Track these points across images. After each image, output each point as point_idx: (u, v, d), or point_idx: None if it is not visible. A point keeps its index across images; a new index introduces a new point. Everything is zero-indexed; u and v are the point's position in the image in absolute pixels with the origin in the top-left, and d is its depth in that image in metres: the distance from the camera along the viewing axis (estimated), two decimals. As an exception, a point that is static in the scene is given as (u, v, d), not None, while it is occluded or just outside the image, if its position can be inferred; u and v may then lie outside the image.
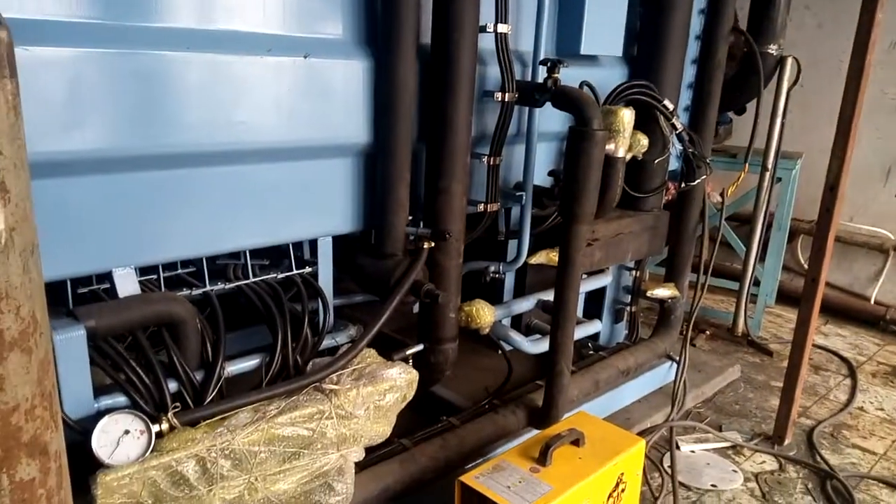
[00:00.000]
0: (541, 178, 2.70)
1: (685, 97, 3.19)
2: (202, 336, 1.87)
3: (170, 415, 1.69)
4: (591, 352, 3.26)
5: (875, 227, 4.69)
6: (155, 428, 1.65)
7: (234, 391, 1.88)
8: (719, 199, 3.67)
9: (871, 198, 4.71)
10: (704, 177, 2.94)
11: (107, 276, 1.79)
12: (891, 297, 4.68)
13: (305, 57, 1.88)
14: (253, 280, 2.10)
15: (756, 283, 4.36)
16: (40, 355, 1.04)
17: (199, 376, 1.86)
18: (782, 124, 3.89)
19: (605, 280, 3.22)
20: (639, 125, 2.63)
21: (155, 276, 1.99)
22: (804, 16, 4.81)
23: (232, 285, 2.07)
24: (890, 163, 4.60)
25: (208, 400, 1.82)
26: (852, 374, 3.77)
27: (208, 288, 2.03)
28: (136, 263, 1.81)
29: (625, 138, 2.38)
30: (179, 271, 2.13)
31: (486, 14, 2.20)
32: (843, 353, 4.04)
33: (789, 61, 3.71)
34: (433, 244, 2.22)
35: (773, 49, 3.58)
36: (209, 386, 1.83)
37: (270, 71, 1.82)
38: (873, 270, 4.77)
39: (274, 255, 2.31)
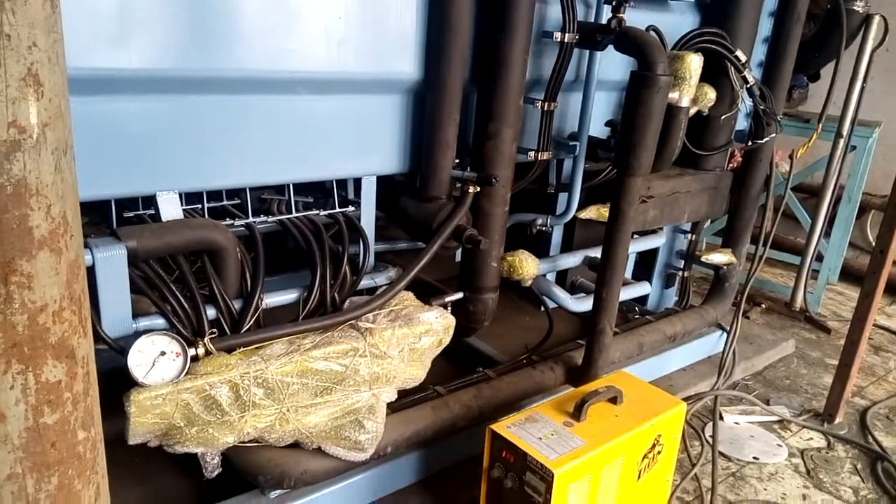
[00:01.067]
0: (597, 129, 2.58)
1: (759, 52, 2.99)
2: (242, 266, 1.87)
3: (206, 339, 1.69)
4: (638, 316, 3.16)
5: (956, 207, 4.37)
6: (191, 351, 1.66)
7: (271, 323, 1.88)
8: (787, 168, 3.47)
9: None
10: (774, 135, 2.76)
11: (152, 201, 1.80)
12: (966, 282, 4.38)
13: (356, -16, 1.81)
14: (295, 216, 2.07)
15: (819, 258, 4.14)
16: (70, 257, 1.03)
17: (237, 305, 1.86)
18: (862, 88, 3.61)
19: (657, 241, 3.09)
20: (707, 78, 2.48)
21: (199, 206, 1.99)
22: (897, -27, 4.43)
23: (274, 219, 2.06)
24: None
25: (245, 329, 1.82)
26: (916, 357, 3.57)
27: (251, 220, 2.02)
28: (180, 188, 1.81)
29: (690, 87, 2.24)
30: (224, 202, 2.13)
31: (550, -51, 2.09)
32: (908, 335, 3.82)
33: (876, 19, 3.42)
34: (479, 189, 2.15)
35: (858, 6, 3.33)
36: (246, 315, 1.83)
37: (321, -2, 1.76)
38: (949, 253, 4.47)
39: (318, 194, 2.29)
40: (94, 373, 1.13)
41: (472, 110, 2.22)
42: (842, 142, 3.67)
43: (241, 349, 1.73)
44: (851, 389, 2.90)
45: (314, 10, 1.75)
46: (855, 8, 3.32)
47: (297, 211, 2.12)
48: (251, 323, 1.83)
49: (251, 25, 1.67)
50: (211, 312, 1.81)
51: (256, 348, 1.75)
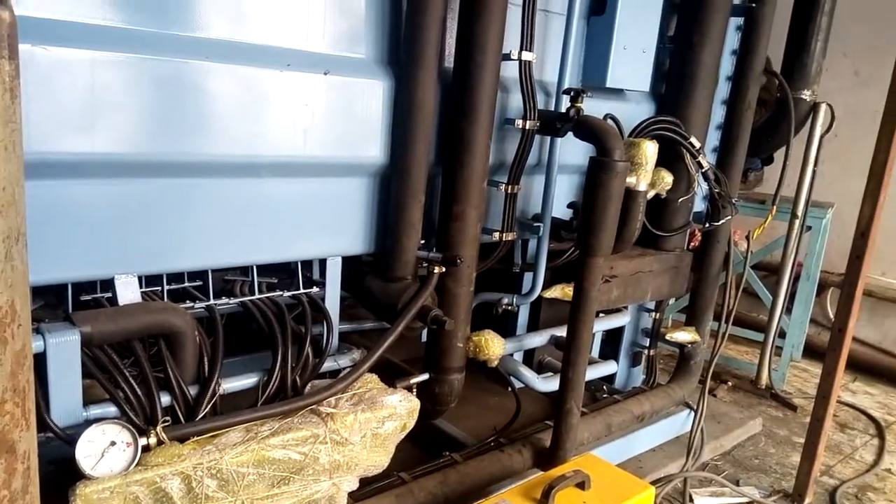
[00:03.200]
0: (560, 210, 2.64)
1: (713, 138, 3.12)
2: (200, 350, 1.83)
3: (159, 428, 1.63)
4: (606, 395, 3.14)
5: (908, 284, 4.53)
6: (142, 441, 1.59)
7: (229, 409, 1.82)
8: (745, 246, 3.57)
9: (904, 253, 4.56)
10: (729, 217, 2.85)
11: (111, 284, 1.76)
12: (924, 358, 4.48)
13: (325, 74, 1.87)
14: (258, 297, 2.05)
15: (782, 335, 4.21)
16: (16, 347, 1.00)
17: (193, 391, 1.80)
18: (814, 172, 3.79)
19: (622, 320, 3.12)
20: (664, 162, 2.58)
21: (159, 288, 1.96)
22: (841, 64, 4.73)
23: (236, 301, 2.03)
24: (925, 218, 4.45)
25: (201, 416, 1.76)
26: (880, 433, 3.58)
27: (212, 302, 1.99)
28: (139, 271, 1.78)
29: (647, 172, 2.32)
30: (186, 284, 2.10)
31: (512, 42, 2.18)
32: (872, 411, 3.85)
33: (823, 108, 3.63)
34: (444, 269, 2.16)
35: (806, 95, 3.53)
36: (202, 401, 1.77)
37: (289, 85, 1.80)
38: (906, 328, 4.59)
39: (283, 274, 2.27)
40: (35, 468, 1.08)
41: (438, 191, 2.26)
42: (797, 222, 3.81)
43: (196, 438, 1.67)
44: (819, 468, 2.89)
45: (280, 97, 1.80)
46: (803, 97, 3.52)
47: (260, 292, 2.10)
48: (207, 409, 1.77)
49: (216, 111, 1.70)
50: (165, 399, 1.75)
51: (212, 436, 1.69)
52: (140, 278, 1.80)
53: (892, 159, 2.43)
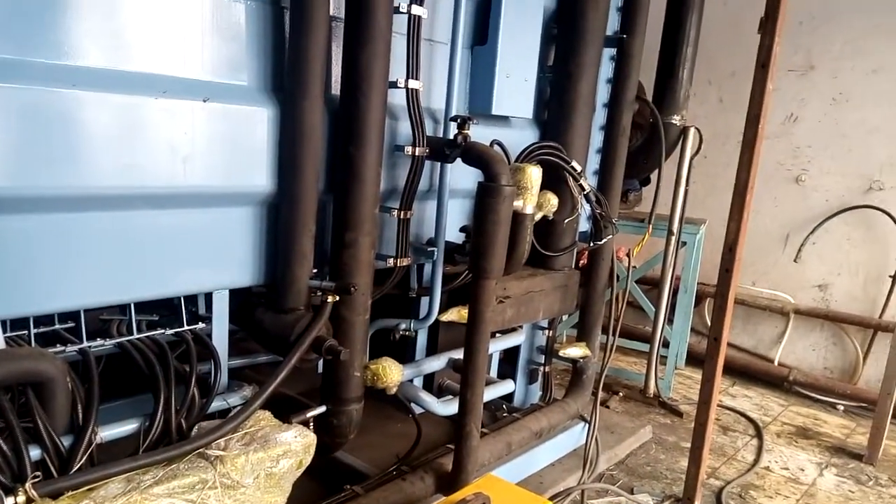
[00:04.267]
0: (453, 234, 2.68)
1: (594, 161, 3.28)
2: (73, 397, 1.70)
3: (28, 485, 1.50)
4: (506, 414, 3.19)
5: (776, 291, 4.91)
6: (9, 500, 1.45)
7: (108, 459, 1.70)
8: (627, 262, 3.77)
9: (771, 263, 4.96)
10: (611, 236, 3.00)
11: (-33, 330, 1.61)
12: (793, 359, 4.87)
13: (205, 101, 1.81)
14: (137, 337, 1.94)
15: (666, 344, 4.46)
16: None
17: (66, 442, 1.67)
18: (686, 192, 4.06)
19: (517, 339, 3.19)
20: (549, 185, 2.68)
21: (25, 332, 1.82)
22: (707, 91, 5.13)
23: (113, 342, 1.91)
24: (787, 230, 4.87)
25: (75, 468, 1.63)
26: (759, 434, 3.85)
27: (85, 345, 1.86)
28: (2, 316, 1.64)
29: (533, 195, 2.40)
30: (56, 326, 1.95)
31: (399, 70, 2.21)
32: (750, 413, 4.13)
33: (692, 131, 3.91)
34: (338, 298, 2.13)
35: (676, 119, 3.80)
36: (77, 453, 1.64)
37: (165, 113, 1.73)
38: (776, 333, 4.97)
39: (165, 310, 2.16)
40: None
41: (329, 218, 2.23)
42: (673, 238, 4.06)
43: (70, 493, 1.54)
44: (706, 471, 3.06)
45: (156, 126, 1.72)
46: (673, 122, 3.79)
47: (140, 331, 1.98)
48: (83, 461, 1.64)
49: (86, 142, 1.61)
50: (35, 452, 1.60)
51: (88, 490, 1.56)
52: (4, 322, 1.66)
53: (753, 180, 2.64)
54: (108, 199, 1.70)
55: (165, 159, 1.76)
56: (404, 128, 2.35)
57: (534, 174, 2.38)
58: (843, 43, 4.58)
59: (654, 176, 3.93)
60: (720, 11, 4.69)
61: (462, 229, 2.71)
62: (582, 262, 3.38)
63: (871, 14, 4.44)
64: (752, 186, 2.67)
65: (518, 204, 2.36)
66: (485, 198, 2.19)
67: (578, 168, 2.80)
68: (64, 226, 1.65)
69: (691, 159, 4.01)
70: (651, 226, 3.35)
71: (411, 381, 2.75)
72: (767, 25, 2.59)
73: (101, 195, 1.67)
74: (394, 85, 2.20)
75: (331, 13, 2.03)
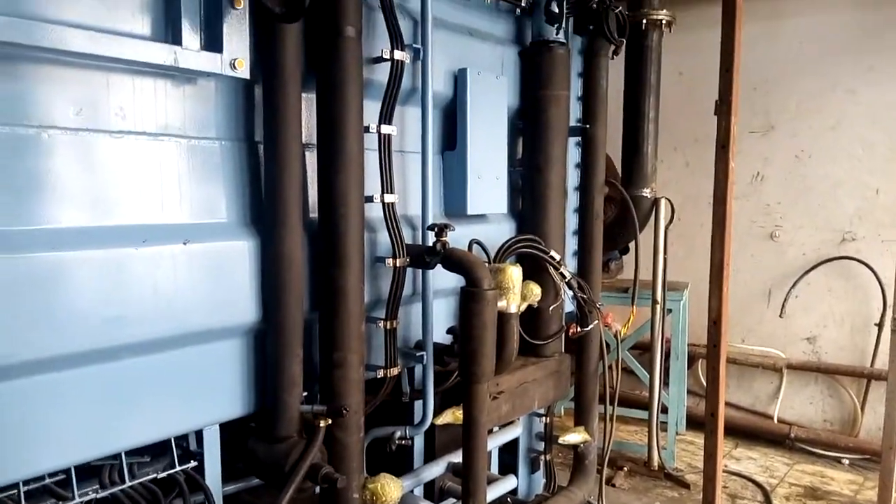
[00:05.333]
0: (440, 335, 2.69)
1: (572, 243, 3.35)
2: (66, 560, 1.65)
3: None
4: (511, 508, 3.13)
5: (766, 348, 4.94)
6: None
7: None
8: (618, 327, 3.78)
9: (757, 320, 5.00)
10: (597, 321, 3.03)
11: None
12: (791, 414, 4.85)
13: (185, 244, 1.84)
14: (129, 485, 1.90)
15: (664, 410, 4.43)
16: None
17: None
18: (665, 259, 4.13)
19: (515, 431, 3.16)
20: (530, 275, 2.72)
21: (14, 491, 1.77)
22: (673, 157, 5.29)
23: (105, 493, 1.87)
24: (769, 285, 4.94)
25: None
26: (767, 500, 3.80)
27: (77, 500, 1.81)
28: (-10, 483, 1.61)
29: (515, 294, 2.43)
30: (46, 481, 1.90)
31: (373, 184, 2.27)
32: (756, 477, 4.08)
33: (663, 202, 4.01)
34: (330, 421, 2.11)
35: (646, 192, 3.91)
36: None
37: (147, 261, 1.76)
38: (772, 388, 4.97)
39: (156, 449, 2.13)
40: None
41: (316, 338, 2.24)
42: (658, 307, 4.10)
43: None
44: (719, 548, 3.00)
45: (139, 275, 1.74)
46: (643, 195, 3.89)
47: (131, 475, 1.94)
48: None
49: (70, 301, 1.62)
50: None
51: None
52: (-10, 486, 1.63)
53: (728, 256, 2.71)
54: (94, 353, 1.69)
55: (150, 307, 1.77)
56: (383, 238, 2.40)
57: (514, 274, 2.42)
58: (797, 103, 4.78)
59: (632, 244, 4.03)
60: (676, 82, 4.89)
61: (449, 330, 2.72)
62: (571, 331, 3.40)
63: (823, 74, 4.66)
64: (727, 262, 2.73)
65: (502, 304, 2.38)
66: (468, 303, 2.21)
67: (557, 257, 2.85)
68: (50, 386, 1.64)
69: (666, 228, 4.10)
70: (635, 304, 3.37)
71: (412, 490, 2.70)
72: (723, 108, 2.72)
73: (88, 351, 1.67)
74: (369, 200, 2.25)
75: (303, 141, 2.10)
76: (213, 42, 1.78)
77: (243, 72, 1.84)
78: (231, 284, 1.97)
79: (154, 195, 1.81)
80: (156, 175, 1.81)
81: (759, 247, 4.95)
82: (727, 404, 3.53)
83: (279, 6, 1.68)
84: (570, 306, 3.21)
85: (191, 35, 1.73)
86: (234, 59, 1.80)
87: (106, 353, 1.72)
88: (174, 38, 1.73)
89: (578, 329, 3.04)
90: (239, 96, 1.99)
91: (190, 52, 1.72)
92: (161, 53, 1.66)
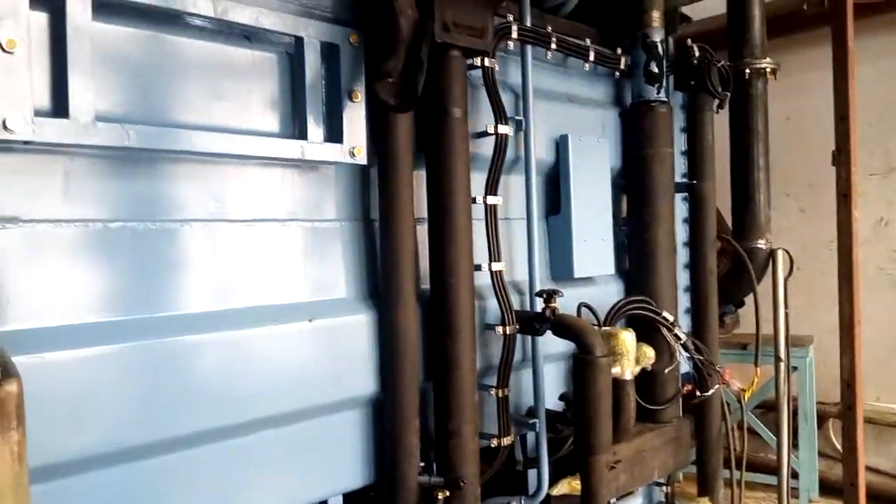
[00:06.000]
0: (552, 401, 2.66)
1: (684, 300, 3.25)
2: None
3: None
4: (633, 581, 2.98)
5: (905, 405, 4.53)
6: None
7: None
8: (739, 386, 3.59)
9: (892, 374, 4.60)
10: (717, 386, 2.89)
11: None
12: (941, 478, 4.38)
13: (310, 321, 1.94)
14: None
15: (795, 475, 4.11)
16: None
17: None
18: (786, 314, 3.88)
19: (635, 502, 3.03)
20: (643, 337, 2.65)
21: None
22: (787, 203, 5.04)
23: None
24: (903, 336, 4.56)
25: None
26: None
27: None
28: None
29: (630, 360, 2.38)
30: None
31: (481, 253, 2.31)
32: (907, 551, 3.68)
33: (780, 254, 3.80)
34: (448, 493, 2.12)
35: (761, 244, 3.72)
36: None
37: (276, 340, 1.87)
38: (915, 450, 4.52)
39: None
40: None
41: (431, 406, 2.27)
42: (782, 365, 3.85)
43: None
44: None
45: (269, 353, 1.85)
46: (758, 246, 3.72)
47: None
48: None
49: (205, 383, 1.73)
50: None
51: None
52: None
53: (858, 312, 2.54)
54: (224, 430, 1.80)
55: (278, 383, 1.87)
56: (492, 305, 2.42)
57: (627, 339, 2.38)
58: (920, 141, 4.48)
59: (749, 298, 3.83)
60: (784, 127, 4.71)
61: (561, 397, 2.68)
62: (687, 390, 3.25)
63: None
64: (858, 320, 2.56)
65: (616, 370, 2.34)
66: (582, 371, 2.19)
67: (670, 318, 2.77)
68: (182, 462, 1.73)
69: (785, 281, 3.88)
70: (758, 367, 3.20)
71: (529, 563, 2.63)
72: (841, 157, 2.60)
73: (219, 428, 1.78)
74: (478, 268, 2.30)
75: (415, 216, 2.19)
76: (334, 133, 1.92)
77: (361, 158, 1.96)
78: (351, 357, 2.05)
79: (280, 276, 1.94)
80: (282, 258, 1.94)
81: (890, 296, 4.59)
82: (866, 468, 3.24)
83: (393, 98, 1.79)
84: (685, 366, 3.10)
85: (315, 128, 1.87)
86: (353, 148, 1.93)
87: (235, 429, 1.82)
88: (300, 132, 1.88)
89: (698, 394, 2.91)
90: (356, 179, 2.11)
91: (314, 144, 1.86)
92: (290, 148, 1.80)
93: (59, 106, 1.47)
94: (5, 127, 1.32)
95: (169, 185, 1.72)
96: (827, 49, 3.44)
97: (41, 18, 1.46)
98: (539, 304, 2.46)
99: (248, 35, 1.85)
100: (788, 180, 4.88)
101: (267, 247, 1.91)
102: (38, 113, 1.40)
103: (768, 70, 3.64)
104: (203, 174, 1.78)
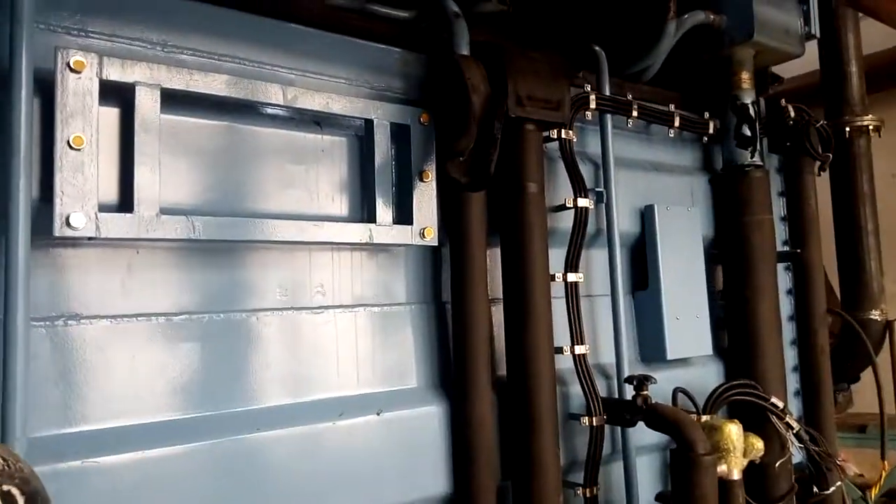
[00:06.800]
0: (647, 499, 2.39)
1: (793, 381, 2.93)
2: None
3: None
4: None
5: None
6: None
7: None
8: (854, 470, 3.18)
9: None
10: (839, 482, 2.54)
11: None
12: None
13: (378, 414, 1.82)
14: None
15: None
16: None
17: None
18: (911, 393, 3.47)
19: None
20: (749, 426, 2.36)
21: None
22: (897, 268, 4.59)
23: None
24: None
25: None
26: None
27: None
28: None
29: (737, 457, 2.11)
30: None
31: (561, 334, 2.13)
32: None
33: (898, 326, 3.42)
34: None
35: (875, 315, 3.37)
36: None
37: (342, 435, 1.75)
38: None
39: None
40: None
41: (511, 504, 2.08)
42: (912, 453, 3.40)
43: None
44: None
45: (336, 448, 1.73)
46: (873, 317, 3.36)
47: None
48: None
49: (272, 477, 1.63)
50: None
51: None
52: None
53: None
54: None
55: (344, 479, 1.74)
56: (576, 391, 2.23)
57: (734, 432, 2.12)
58: None
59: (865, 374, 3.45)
60: (891, 185, 4.34)
61: (658, 497, 2.41)
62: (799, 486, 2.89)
63: None
64: None
65: (722, 468, 2.07)
66: (682, 472, 1.95)
67: (780, 404, 2.47)
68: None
69: (906, 356, 3.47)
70: (886, 463, 2.82)
71: None
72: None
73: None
74: (559, 351, 2.12)
75: (489, 297, 2.05)
76: (403, 214, 1.83)
77: (432, 240, 1.86)
78: (422, 453, 1.90)
79: (349, 366, 1.83)
80: (350, 346, 1.84)
81: None
82: None
83: (465, 176, 1.69)
84: (797, 455, 2.75)
85: (384, 210, 1.79)
86: (423, 229, 1.83)
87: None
88: (369, 215, 1.80)
89: (815, 490, 2.57)
90: (427, 260, 2.01)
91: (383, 227, 1.77)
92: (358, 232, 1.72)
93: (125, 200, 1.45)
94: (69, 224, 1.29)
95: (235, 274, 1.67)
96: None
97: (110, 114, 1.46)
98: (629, 391, 2.25)
99: (318, 121, 1.81)
100: (898, 243, 4.45)
101: (334, 335, 1.81)
102: (103, 208, 1.37)
103: (871, 128, 3.37)
104: (270, 261, 1.72)
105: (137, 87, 1.42)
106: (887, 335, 3.41)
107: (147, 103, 1.43)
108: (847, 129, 3.32)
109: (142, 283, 1.51)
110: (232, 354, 1.65)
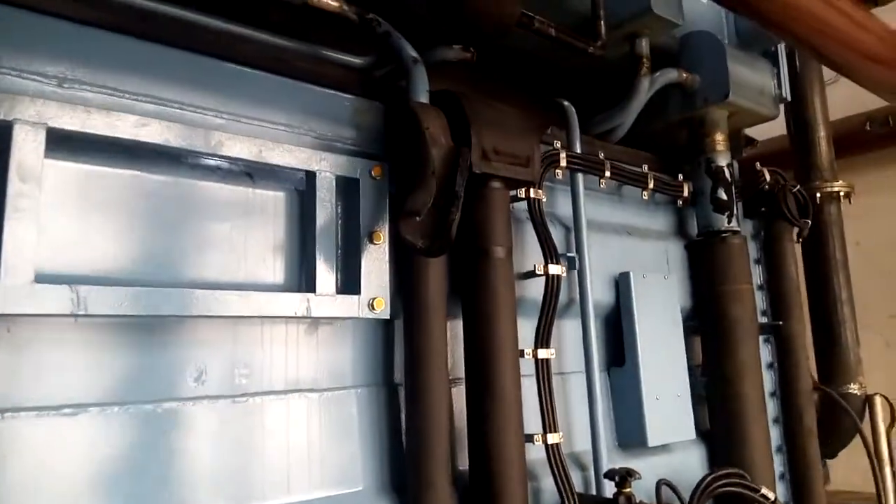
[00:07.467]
0: None
1: (777, 462, 2.69)
2: None
3: None
4: None
5: None
6: None
7: None
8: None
9: None
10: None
11: None
12: None
13: (314, 526, 1.49)
14: None
15: None
16: None
17: None
18: (894, 473, 3.26)
19: None
20: (738, 520, 2.11)
21: None
22: (869, 338, 4.44)
23: None
24: None
25: None
26: None
27: None
28: None
29: (733, 562, 1.84)
30: None
31: (531, 418, 1.86)
32: None
33: (878, 400, 3.25)
34: None
35: (853, 388, 3.20)
36: None
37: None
38: None
39: None
40: None
41: None
42: (899, 538, 3.17)
43: None
44: None
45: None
46: (851, 391, 3.18)
47: None
48: None
49: None
50: None
51: None
52: None
53: None
54: None
55: None
56: (548, 486, 1.93)
57: (727, 535, 1.85)
58: None
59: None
60: (856, 253, 4.26)
61: None
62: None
63: None
64: None
65: (717, 577, 1.79)
66: (674, 586, 1.66)
67: (771, 496, 2.22)
68: None
69: (888, 433, 3.28)
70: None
71: None
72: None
73: None
74: (529, 440, 1.84)
75: (449, 377, 1.77)
76: (349, 282, 1.56)
77: (383, 312, 1.58)
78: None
79: (278, 467, 1.51)
80: (281, 441, 1.52)
81: None
82: None
83: (422, 239, 1.44)
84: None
85: (326, 277, 1.52)
86: (373, 299, 1.56)
87: None
88: (307, 283, 1.52)
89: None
90: (377, 335, 1.73)
91: (324, 296, 1.49)
92: (293, 304, 1.44)
93: (-9, 265, 1.14)
94: None
95: (138, 356, 1.36)
96: (893, 170, 3.09)
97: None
98: (608, 486, 1.97)
99: (249, 172, 1.55)
100: (868, 311, 4.35)
101: (262, 428, 1.50)
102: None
103: (842, 193, 3.28)
104: (184, 339, 1.41)
105: (16, 126, 1.14)
106: (868, 410, 3.24)
107: (27, 145, 1.15)
108: (818, 194, 3.22)
109: (12, 370, 1.19)
110: (130, 457, 1.32)
